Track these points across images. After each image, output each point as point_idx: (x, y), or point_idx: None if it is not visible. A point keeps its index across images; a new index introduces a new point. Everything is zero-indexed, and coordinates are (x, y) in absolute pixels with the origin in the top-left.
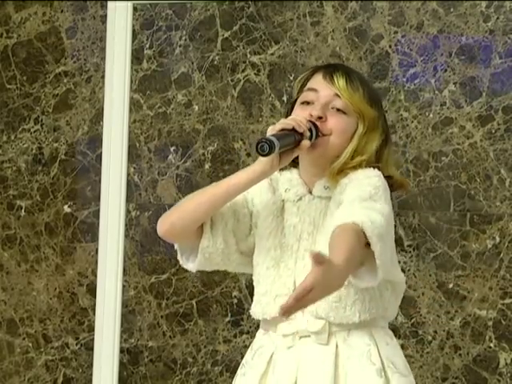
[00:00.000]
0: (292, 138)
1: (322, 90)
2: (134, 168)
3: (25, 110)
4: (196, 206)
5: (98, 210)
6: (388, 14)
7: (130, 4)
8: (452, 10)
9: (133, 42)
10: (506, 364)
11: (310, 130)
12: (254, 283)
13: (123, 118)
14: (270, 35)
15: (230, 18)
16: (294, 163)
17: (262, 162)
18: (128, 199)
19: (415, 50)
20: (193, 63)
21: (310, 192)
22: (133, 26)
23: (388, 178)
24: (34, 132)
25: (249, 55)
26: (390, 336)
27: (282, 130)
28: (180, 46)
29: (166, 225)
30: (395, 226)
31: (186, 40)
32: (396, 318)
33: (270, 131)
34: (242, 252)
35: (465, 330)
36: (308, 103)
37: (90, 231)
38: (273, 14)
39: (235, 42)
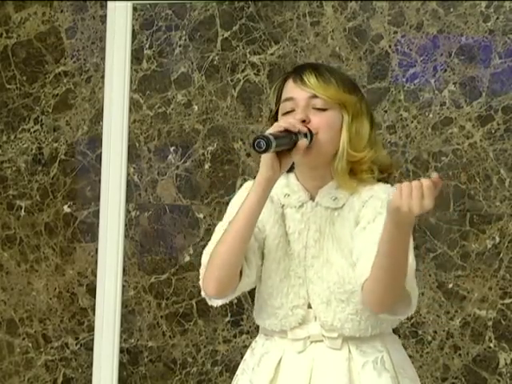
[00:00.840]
0: (288, 138)
1: (297, 95)
2: (134, 168)
3: (25, 110)
4: (229, 251)
5: (98, 210)
6: (388, 13)
7: (129, 4)
8: (452, 10)
9: (133, 42)
10: (506, 364)
11: (306, 133)
12: (265, 295)
13: (123, 118)
14: (270, 35)
15: (229, 17)
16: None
17: (262, 171)
18: (128, 199)
19: (415, 50)
20: (193, 63)
21: (311, 198)
22: (133, 26)
23: (380, 167)
24: (34, 132)
25: (249, 55)
26: (398, 342)
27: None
28: (180, 46)
29: (213, 285)
30: None
31: (185, 40)
32: None
33: (268, 131)
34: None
35: (465, 329)
36: (290, 112)
37: (90, 231)
38: (273, 14)
39: (235, 41)
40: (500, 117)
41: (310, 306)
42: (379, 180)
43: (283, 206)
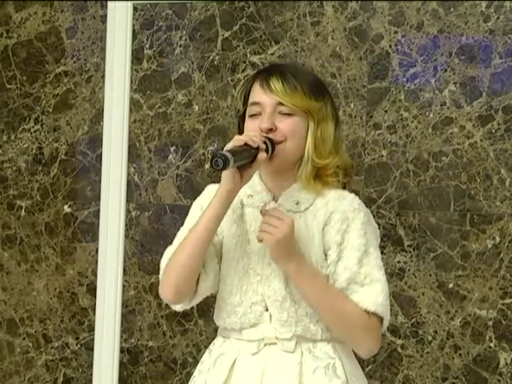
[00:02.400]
0: (247, 152)
1: (264, 100)
2: (134, 168)
3: (25, 109)
4: (187, 257)
5: (98, 210)
6: (388, 13)
7: (129, 4)
8: (452, 9)
9: (133, 42)
10: (506, 364)
11: (266, 143)
12: (225, 294)
13: (123, 118)
14: (270, 35)
15: (230, 17)
16: None
17: (224, 184)
18: (128, 199)
19: (415, 50)
20: (193, 63)
21: (274, 199)
22: (133, 25)
23: (344, 172)
24: (34, 132)
25: (249, 55)
26: (350, 351)
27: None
28: (180, 46)
29: (170, 290)
30: (395, 226)
31: (186, 40)
32: (396, 317)
33: (226, 148)
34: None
35: (465, 329)
36: (256, 115)
37: (90, 231)
38: (273, 14)
39: (235, 42)
40: (500, 117)
41: (266, 308)
42: (344, 185)
43: (243, 205)
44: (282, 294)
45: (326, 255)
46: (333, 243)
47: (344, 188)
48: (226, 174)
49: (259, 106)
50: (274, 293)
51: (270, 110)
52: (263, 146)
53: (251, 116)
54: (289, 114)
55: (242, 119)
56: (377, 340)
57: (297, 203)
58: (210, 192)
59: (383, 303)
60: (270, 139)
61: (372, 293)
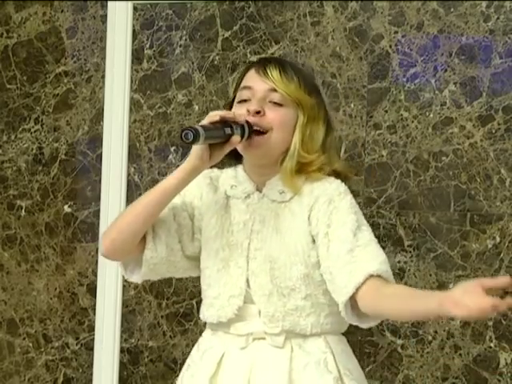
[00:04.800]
0: (221, 131)
1: (257, 85)
2: (135, 168)
3: (25, 109)
4: (133, 217)
5: (98, 210)
6: (388, 13)
7: (130, 4)
8: (452, 9)
9: (133, 42)
10: (506, 364)
11: (243, 126)
12: (204, 286)
13: (123, 118)
14: (270, 35)
15: (230, 17)
16: (238, 161)
17: (190, 159)
18: (128, 199)
19: (415, 50)
20: (193, 63)
21: (258, 189)
22: (133, 25)
23: (335, 172)
24: (34, 132)
25: (249, 55)
26: (344, 342)
27: (212, 123)
28: (180, 46)
29: (106, 243)
30: (395, 226)
31: (186, 40)
32: None
33: (200, 124)
34: (188, 257)
35: (465, 329)
36: (245, 101)
37: (90, 231)
38: (273, 14)
39: (235, 42)
40: (500, 117)
41: (252, 302)
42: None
43: (228, 196)
44: (269, 287)
45: (313, 241)
46: (321, 226)
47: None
48: (195, 151)
49: (250, 91)
50: (261, 287)
51: (260, 96)
52: (241, 121)
53: (240, 102)
54: (279, 105)
55: (229, 106)
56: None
57: (281, 192)
58: (201, 185)
59: (384, 263)
60: (249, 124)
61: (374, 256)
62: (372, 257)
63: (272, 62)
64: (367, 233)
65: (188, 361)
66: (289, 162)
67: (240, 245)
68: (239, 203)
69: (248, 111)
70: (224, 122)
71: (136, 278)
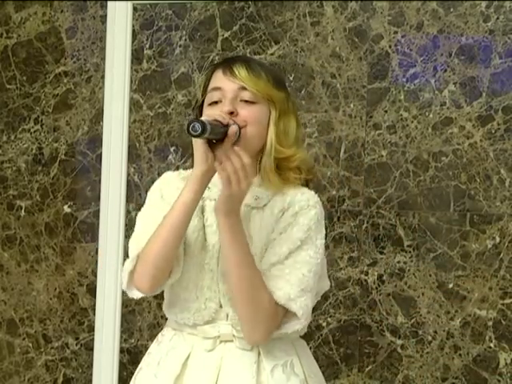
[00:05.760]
0: (219, 127)
1: (226, 86)
2: (134, 168)
3: (25, 109)
4: (162, 246)
5: (98, 210)
6: (388, 14)
7: (129, 4)
8: (452, 10)
9: (133, 42)
10: (506, 364)
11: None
12: (178, 289)
13: (123, 118)
14: (270, 35)
15: (230, 17)
16: None
17: (197, 166)
18: (128, 199)
19: (415, 50)
20: (193, 63)
21: None
22: (133, 26)
23: (307, 172)
24: (34, 132)
25: (249, 55)
26: (307, 347)
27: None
28: (180, 46)
29: (146, 283)
30: (395, 226)
31: (186, 40)
32: (396, 318)
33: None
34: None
35: (465, 330)
36: (216, 103)
37: (90, 231)
38: (273, 14)
39: (235, 42)
40: (500, 117)
41: (219, 304)
42: (306, 183)
43: (203, 198)
44: None
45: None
46: (276, 232)
47: (306, 186)
48: (199, 157)
49: (220, 92)
50: (227, 292)
51: (231, 96)
52: (232, 121)
53: (211, 104)
54: (251, 102)
55: (199, 110)
56: (269, 332)
57: (256, 198)
58: (168, 178)
59: (296, 298)
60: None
61: (286, 286)
62: (287, 286)
63: (237, 60)
64: (304, 253)
65: (146, 358)
66: (267, 158)
67: (212, 247)
68: (212, 205)
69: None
70: (218, 121)
71: (137, 294)
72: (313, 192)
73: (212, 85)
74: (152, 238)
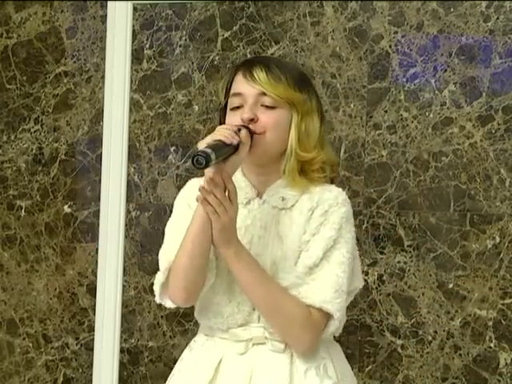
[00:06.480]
0: (225, 147)
1: (246, 91)
2: (134, 168)
3: (25, 109)
4: (190, 256)
5: (98, 210)
6: (388, 14)
7: (130, 4)
8: (452, 9)
9: (133, 42)
10: (506, 364)
11: (239, 130)
12: (210, 294)
13: (123, 118)
14: (270, 35)
15: (230, 17)
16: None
17: (206, 172)
18: (128, 199)
19: (415, 50)
20: (193, 63)
21: (258, 195)
22: (133, 25)
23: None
24: (34, 132)
25: (249, 55)
26: (340, 351)
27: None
28: (180, 46)
29: (181, 295)
30: (395, 226)
31: (186, 40)
32: (396, 317)
33: (202, 145)
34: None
35: (465, 329)
36: (238, 107)
37: (90, 231)
38: (273, 14)
39: (235, 42)
40: (500, 117)
41: (254, 307)
42: (331, 180)
43: None
44: None
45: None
46: (308, 235)
47: (331, 183)
48: (214, 169)
49: (241, 98)
50: None
51: (252, 101)
52: (235, 142)
53: (233, 109)
54: (272, 107)
55: (223, 113)
56: (314, 337)
57: (282, 199)
58: (193, 186)
59: (332, 300)
60: (247, 127)
61: (321, 288)
62: (322, 288)
63: (257, 63)
64: (338, 252)
65: (179, 365)
66: (288, 163)
67: None
68: (240, 208)
69: (242, 120)
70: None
71: (172, 305)
72: (340, 189)
73: (233, 90)
74: (179, 251)
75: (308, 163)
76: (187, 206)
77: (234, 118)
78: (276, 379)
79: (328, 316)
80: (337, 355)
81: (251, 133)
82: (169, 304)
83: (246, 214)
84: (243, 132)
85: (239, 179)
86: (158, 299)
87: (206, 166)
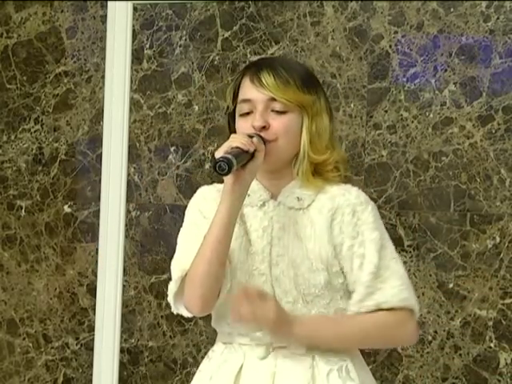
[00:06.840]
0: (243, 153)
1: (255, 97)
2: (134, 168)
3: (25, 110)
4: (208, 264)
5: (98, 210)
6: (388, 14)
7: (130, 4)
8: (452, 9)
9: (133, 42)
10: (506, 364)
11: (252, 137)
12: (226, 301)
13: (123, 118)
14: (270, 35)
15: (230, 17)
16: None
17: (232, 189)
18: (128, 199)
19: (415, 50)
20: (193, 63)
21: (273, 197)
22: (133, 26)
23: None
24: (34, 132)
25: (249, 55)
26: (358, 352)
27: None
28: (180, 46)
29: (197, 303)
30: (395, 226)
31: (186, 40)
32: None
33: (219, 153)
34: None
35: (465, 329)
36: (248, 113)
37: (90, 231)
38: (273, 14)
39: (235, 42)
40: (500, 117)
41: None
42: (346, 178)
43: (244, 205)
44: (293, 294)
45: (335, 251)
46: (346, 237)
47: (345, 183)
48: (231, 176)
49: (250, 104)
50: (285, 294)
51: (262, 108)
52: (252, 149)
53: (242, 115)
54: (282, 112)
55: (232, 117)
56: (414, 330)
57: (298, 200)
58: (204, 193)
59: (408, 295)
60: (259, 135)
61: (395, 288)
62: (395, 288)
63: (264, 67)
64: (389, 250)
65: (198, 376)
66: (300, 166)
67: (261, 251)
68: (255, 211)
69: (254, 128)
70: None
71: (188, 314)
72: (356, 187)
73: (241, 95)
74: (196, 258)
75: (321, 164)
76: (200, 214)
77: (244, 125)
78: (298, 382)
79: (410, 310)
80: (357, 357)
81: (263, 140)
82: (186, 313)
83: (262, 216)
84: (255, 140)
85: (252, 183)
86: (173, 309)
87: (229, 171)
